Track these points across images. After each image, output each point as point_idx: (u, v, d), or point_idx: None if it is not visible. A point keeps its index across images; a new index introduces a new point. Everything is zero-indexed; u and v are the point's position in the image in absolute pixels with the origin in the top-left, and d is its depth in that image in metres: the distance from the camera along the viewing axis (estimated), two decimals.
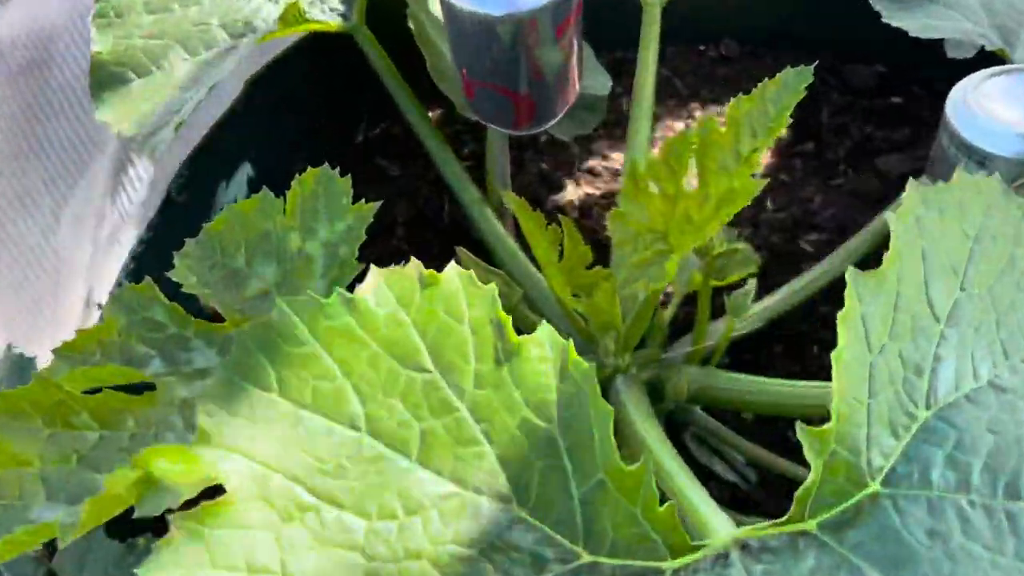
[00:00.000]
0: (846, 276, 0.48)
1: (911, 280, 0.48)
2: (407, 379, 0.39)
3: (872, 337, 0.47)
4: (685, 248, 0.71)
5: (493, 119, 0.86)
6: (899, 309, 0.47)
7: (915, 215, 0.49)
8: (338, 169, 0.72)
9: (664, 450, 0.70)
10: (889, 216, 0.49)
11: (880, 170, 1.14)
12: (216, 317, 0.72)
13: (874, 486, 0.46)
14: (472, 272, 0.42)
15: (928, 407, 0.47)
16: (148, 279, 0.70)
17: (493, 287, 0.42)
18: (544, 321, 0.44)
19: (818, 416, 0.93)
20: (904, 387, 0.47)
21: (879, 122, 1.18)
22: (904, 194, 0.49)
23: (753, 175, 0.70)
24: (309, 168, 0.71)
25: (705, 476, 0.91)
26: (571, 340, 0.43)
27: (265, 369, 0.38)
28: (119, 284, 0.87)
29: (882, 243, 1.03)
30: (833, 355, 0.46)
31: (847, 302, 0.47)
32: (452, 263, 0.42)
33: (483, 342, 0.41)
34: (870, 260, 1.03)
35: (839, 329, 0.47)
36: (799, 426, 0.46)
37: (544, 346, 0.42)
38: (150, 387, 0.66)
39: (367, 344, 0.39)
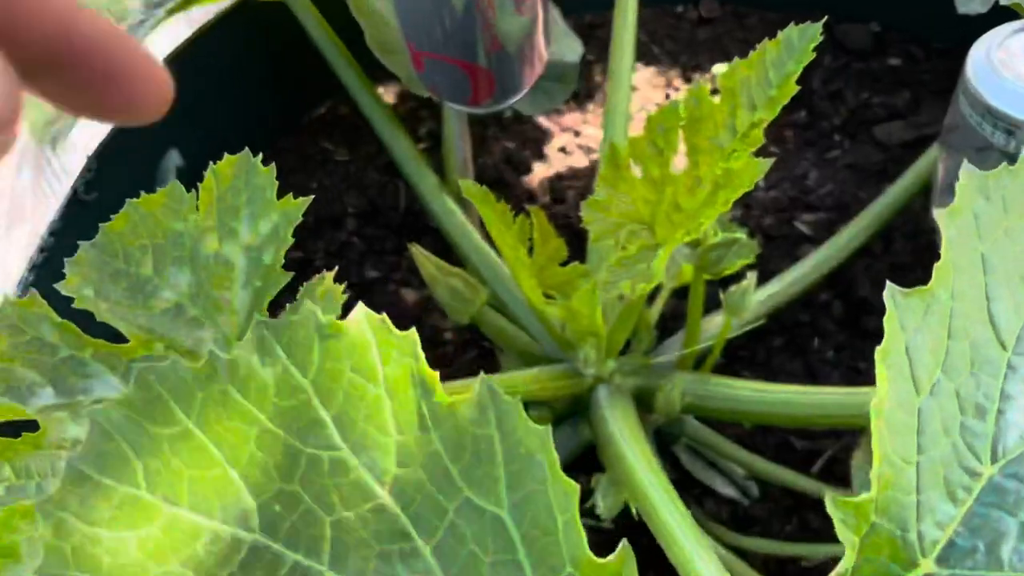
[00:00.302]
0: (885, 298, 0.37)
1: (969, 297, 0.37)
2: (309, 460, 0.29)
3: (920, 374, 0.36)
4: (675, 241, 0.60)
5: (448, 95, 0.75)
6: (954, 336, 0.37)
7: (972, 211, 0.38)
8: (261, 157, 0.60)
9: (655, 482, 0.60)
10: (939, 215, 0.38)
11: (879, 140, 1.03)
12: (120, 337, 0.60)
13: (927, 565, 0.36)
14: (384, 317, 0.31)
15: (994, 460, 0.36)
16: (34, 292, 0.59)
17: (413, 334, 0.31)
18: (482, 373, 0.33)
19: (828, 427, 0.85)
20: (963, 436, 0.36)
21: (876, 87, 1.08)
22: (958, 183, 0.39)
23: (754, 154, 0.59)
24: (226, 155, 0.59)
25: (701, 491, 0.81)
26: (519, 399, 0.32)
27: (127, 459, 0.28)
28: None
29: (889, 223, 0.93)
30: (872, 405, 0.36)
31: (887, 330, 0.37)
32: (359, 307, 0.31)
33: (404, 406, 0.30)
34: (876, 244, 0.93)
35: (878, 368, 0.36)
36: (829, 499, 0.36)
37: (484, 406, 0.31)
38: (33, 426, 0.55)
39: (255, 418, 0.28)
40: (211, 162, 0.59)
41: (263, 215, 0.58)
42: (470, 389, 0.32)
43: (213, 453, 0.27)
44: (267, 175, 0.56)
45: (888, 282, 0.37)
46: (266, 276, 0.56)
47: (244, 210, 0.58)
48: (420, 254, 0.72)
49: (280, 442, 0.28)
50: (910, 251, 0.93)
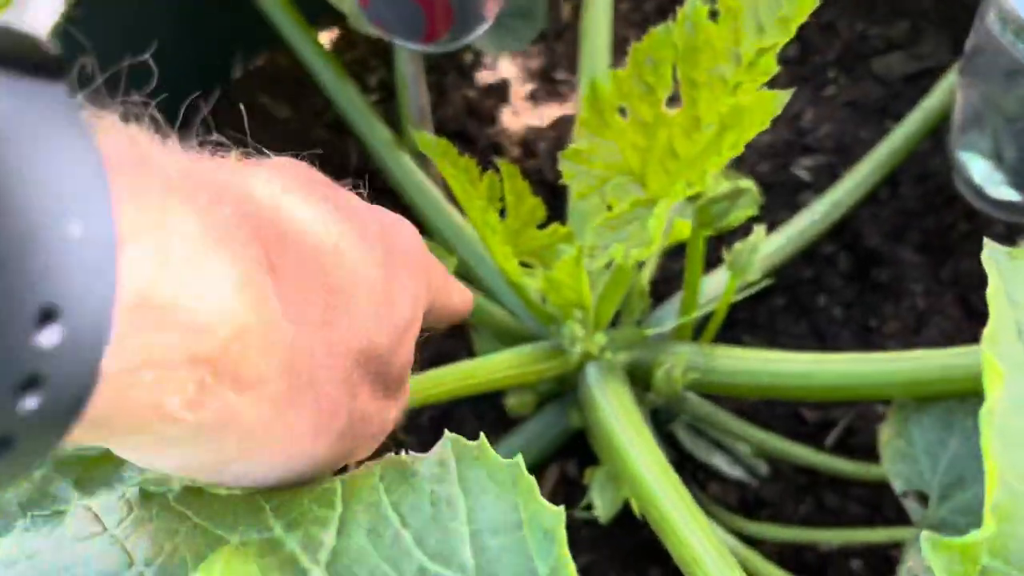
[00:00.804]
0: (985, 263, 0.27)
1: None
2: None
3: None
4: (673, 195, 0.51)
5: (398, 31, 0.64)
6: None
7: None
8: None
9: (657, 476, 0.51)
10: None
11: (878, 74, 0.94)
12: None
13: None
14: None
15: None
16: None
17: None
18: (446, 431, 0.23)
19: (849, 400, 0.76)
20: None
21: (872, 17, 0.98)
22: None
23: (765, 85, 0.49)
24: None
25: (705, 474, 0.72)
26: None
27: None
28: None
29: (896, 166, 0.85)
30: (982, 412, 0.27)
31: (993, 307, 0.27)
32: None
33: None
34: (882, 189, 0.84)
35: (985, 359, 0.27)
36: (926, 540, 0.27)
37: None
38: None
39: None
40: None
41: None
42: None
43: None
44: None
45: (987, 241, 0.27)
46: None
47: None
48: None
49: None
50: (920, 196, 0.84)
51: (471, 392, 0.59)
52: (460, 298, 0.47)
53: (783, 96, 0.46)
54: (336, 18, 0.79)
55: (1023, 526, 0.27)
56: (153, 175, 0.26)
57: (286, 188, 0.33)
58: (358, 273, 0.34)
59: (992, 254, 0.28)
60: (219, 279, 0.26)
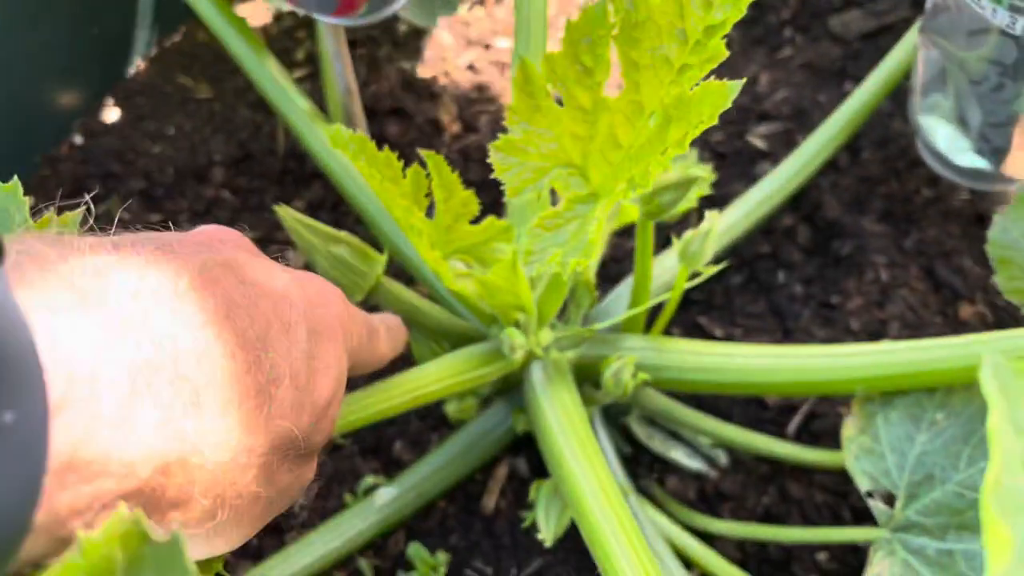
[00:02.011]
0: (980, 379, 0.22)
1: None
2: None
3: None
4: (615, 195, 0.46)
5: (310, 4, 0.58)
6: None
7: None
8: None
9: (599, 500, 0.47)
10: None
11: (835, 33, 0.89)
12: None
13: None
14: None
15: None
16: None
17: None
18: None
19: (816, 396, 0.72)
20: None
21: None
22: None
23: (716, 71, 0.44)
24: None
25: (662, 467, 0.68)
26: None
27: None
28: None
29: (856, 131, 0.80)
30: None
31: (993, 440, 0.22)
32: None
33: None
34: (841, 156, 0.80)
35: (985, 509, 0.22)
36: None
37: None
38: None
39: None
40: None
41: None
42: None
43: None
44: (10, 194, 0.40)
45: (987, 360, 0.22)
46: None
47: None
48: (291, 217, 0.56)
49: None
50: (880, 161, 0.80)
51: (418, 405, 0.55)
52: (389, 345, 0.50)
53: (733, 86, 0.41)
54: None
55: None
56: (88, 319, 0.28)
57: (206, 285, 0.34)
58: (280, 368, 0.36)
59: (994, 370, 0.22)
60: (142, 424, 0.29)
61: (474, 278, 0.51)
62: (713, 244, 0.58)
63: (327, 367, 0.39)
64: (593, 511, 0.47)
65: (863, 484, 0.55)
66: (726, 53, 0.42)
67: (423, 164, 0.51)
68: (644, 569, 0.44)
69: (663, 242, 0.73)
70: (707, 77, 0.44)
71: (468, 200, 0.53)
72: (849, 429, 0.57)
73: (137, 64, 0.86)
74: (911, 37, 0.75)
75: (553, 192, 0.55)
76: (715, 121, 0.41)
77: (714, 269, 0.60)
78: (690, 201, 0.54)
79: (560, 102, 0.49)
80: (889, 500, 0.54)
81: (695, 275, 0.60)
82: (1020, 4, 0.55)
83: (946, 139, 0.69)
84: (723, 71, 0.87)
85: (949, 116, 0.68)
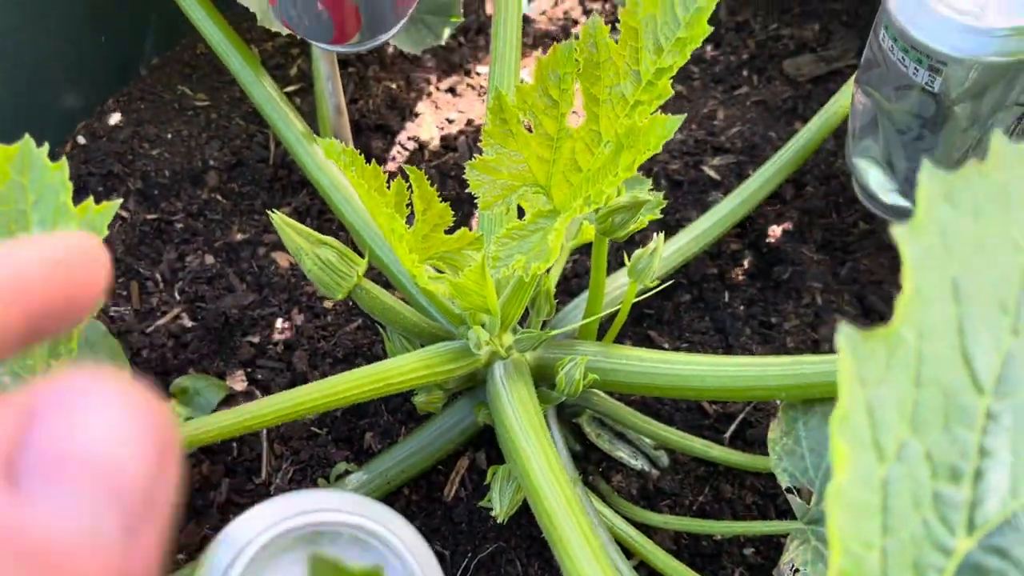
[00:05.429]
0: (839, 345, 0.29)
1: (939, 333, 0.30)
2: None
3: (884, 438, 0.29)
4: (573, 211, 0.53)
5: (308, 32, 0.64)
6: (923, 383, 0.30)
7: (938, 225, 0.30)
8: (48, 147, 0.50)
9: (549, 478, 0.53)
10: (898, 234, 0.30)
11: (788, 75, 0.97)
12: None
13: None
14: None
15: (970, 531, 0.30)
16: None
17: None
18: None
19: (744, 400, 0.79)
20: (936, 507, 0.30)
21: (784, 18, 1.01)
22: (918, 189, 0.31)
23: (663, 107, 0.51)
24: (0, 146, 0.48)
25: (608, 464, 0.75)
26: None
27: None
28: None
29: (800, 166, 0.88)
30: (829, 490, 0.29)
31: (843, 387, 0.29)
32: None
33: None
34: (786, 188, 0.88)
35: (833, 441, 0.29)
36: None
37: None
38: None
39: None
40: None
41: (58, 224, 0.47)
42: None
43: None
44: (57, 173, 0.46)
45: (842, 324, 0.29)
46: None
47: (33, 215, 0.47)
48: (282, 221, 0.62)
49: None
50: (822, 195, 0.88)
51: (385, 393, 0.61)
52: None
53: (675, 121, 0.48)
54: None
55: None
56: None
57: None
58: None
59: (845, 336, 0.29)
60: None
61: (447, 281, 0.57)
62: (659, 262, 0.64)
63: None
64: (543, 488, 0.53)
65: (784, 481, 0.62)
66: (671, 92, 0.49)
67: (406, 177, 0.57)
68: (588, 540, 0.50)
69: (620, 262, 0.80)
70: (655, 112, 0.50)
71: (444, 212, 0.59)
72: (774, 432, 0.63)
73: (140, 72, 0.91)
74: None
75: (520, 208, 0.62)
76: (659, 149, 0.47)
77: (661, 286, 0.67)
78: (640, 223, 0.61)
79: (529, 129, 0.56)
80: (808, 497, 0.61)
81: (645, 291, 0.67)
82: (937, 66, 0.63)
83: (876, 180, 0.76)
84: (684, 105, 0.95)
85: (879, 159, 0.76)
